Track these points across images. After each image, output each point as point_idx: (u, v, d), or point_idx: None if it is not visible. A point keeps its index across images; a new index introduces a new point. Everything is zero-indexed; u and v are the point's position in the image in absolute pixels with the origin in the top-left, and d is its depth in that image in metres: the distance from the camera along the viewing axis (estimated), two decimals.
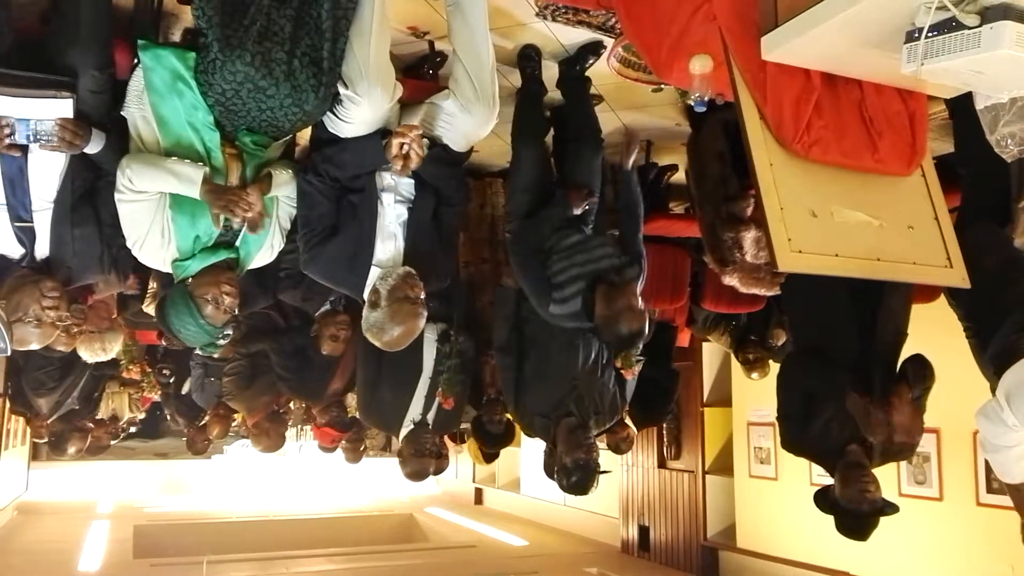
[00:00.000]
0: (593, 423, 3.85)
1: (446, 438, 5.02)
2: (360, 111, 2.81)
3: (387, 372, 4.13)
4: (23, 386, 6.40)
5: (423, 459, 4.32)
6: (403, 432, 4.31)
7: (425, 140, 2.94)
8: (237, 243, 2.92)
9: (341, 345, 4.49)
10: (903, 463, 5.17)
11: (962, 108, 2.73)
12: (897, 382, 3.14)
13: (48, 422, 6.09)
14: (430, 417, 4.32)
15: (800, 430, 3.52)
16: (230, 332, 3.52)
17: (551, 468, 4.16)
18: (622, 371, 3.86)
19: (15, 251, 2.89)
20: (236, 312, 2.95)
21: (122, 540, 9.45)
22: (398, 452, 4.41)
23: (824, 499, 3.41)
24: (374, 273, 2.96)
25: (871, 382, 3.29)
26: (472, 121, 3.00)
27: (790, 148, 2.47)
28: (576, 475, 3.83)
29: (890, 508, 3.30)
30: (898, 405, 3.15)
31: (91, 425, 6.77)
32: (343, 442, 6.16)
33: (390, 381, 4.17)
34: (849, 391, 3.25)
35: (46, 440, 6.72)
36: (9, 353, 2.86)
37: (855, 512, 3.28)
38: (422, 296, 2.94)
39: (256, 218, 2.82)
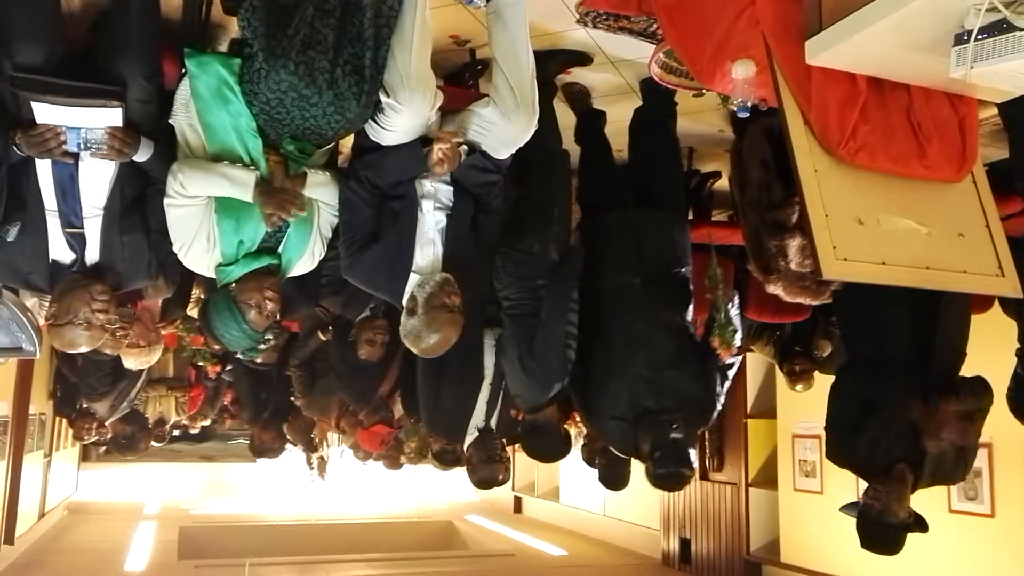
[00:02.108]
0: (681, 424, 3.53)
1: None
2: (401, 119, 2.82)
3: (450, 381, 4.10)
4: (76, 392, 6.58)
5: (494, 465, 4.31)
6: (468, 440, 4.31)
7: (464, 147, 2.95)
8: (279, 249, 2.96)
9: (378, 349, 4.51)
10: None
11: (1017, 113, 2.67)
12: (945, 395, 3.11)
13: (108, 423, 6.22)
14: (493, 422, 4.33)
15: (849, 442, 3.48)
16: (271, 337, 3.56)
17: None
18: (718, 352, 3.58)
19: (66, 256, 2.96)
20: (275, 318, 2.98)
21: (167, 541, 9.63)
22: (466, 460, 4.41)
23: (850, 504, 3.39)
24: (413, 280, 2.97)
25: (928, 398, 3.25)
26: (512, 129, 2.99)
27: (835, 154, 2.44)
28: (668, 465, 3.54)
29: (916, 526, 3.26)
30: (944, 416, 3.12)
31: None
32: (384, 450, 6.17)
33: (453, 389, 4.14)
34: (914, 401, 3.21)
35: (114, 442, 6.89)
36: (38, 356, 2.92)
37: (865, 515, 3.27)
38: (459, 303, 2.94)
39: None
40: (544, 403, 3.95)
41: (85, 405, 6.36)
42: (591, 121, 4.19)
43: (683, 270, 3.87)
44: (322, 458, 7.42)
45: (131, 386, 5.80)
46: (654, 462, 3.50)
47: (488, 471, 4.29)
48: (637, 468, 5.29)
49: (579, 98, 4.11)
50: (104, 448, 13.04)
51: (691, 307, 3.84)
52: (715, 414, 3.79)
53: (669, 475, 3.52)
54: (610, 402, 3.64)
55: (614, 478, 5.11)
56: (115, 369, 5.48)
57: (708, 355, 3.68)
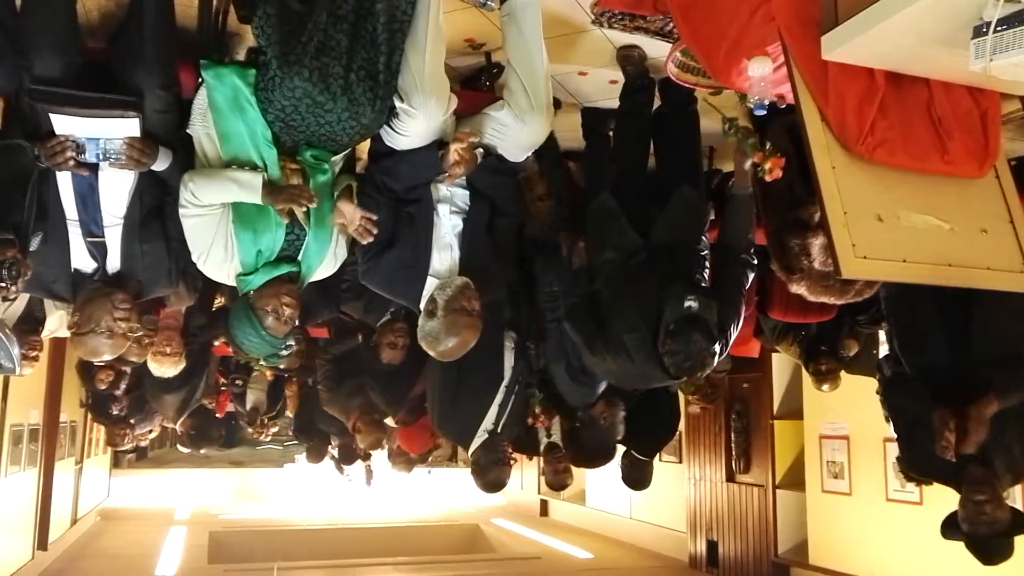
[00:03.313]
0: (697, 297, 3.33)
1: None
2: (416, 123, 2.83)
3: (468, 381, 4.07)
4: (108, 399, 6.63)
5: (501, 467, 4.30)
6: (476, 442, 4.29)
7: (480, 149, 2.95)
8: (299, 257, 2.97)
9: (399, 353, 4.51)
10: None
11: None
12: (984, 393, 3.04)
13: (180, 421, 6.27)
14: (501, 426, 4.30)
15: (913, 452, 3.42)
16: (292, 343, 3.54)
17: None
18: (770, 171, 3.06)
19: (88, 265, 3.00)
20: (297, 323, 2.99)
21: (198, 546, 9.71)
22: (473, 463, 4.39)
23: (949, 526, 3.26)
24: (430, 284, 2.97)
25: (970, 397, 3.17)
26: (526, 131, 2.99)
27: (853, 150, 2.40)
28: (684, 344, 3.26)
29: (1019, 528, 3.11)
30: (975, 416, 3.04)
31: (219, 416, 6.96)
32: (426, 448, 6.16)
33: (471, 390, 4.12)
34: (938, 407, 3.14)
35: (187, 437, 6.94)
36: (17, 372, 2.95)
37: (974, 534, 3.13)
38: (479, 308, 2.94)
39: (362, 228, 2.89)
40: (593, 402, 4.21)
41: (152, 404, 6.42)
42: (641, 89, 3.90)
43: (698, 247, 3.71)
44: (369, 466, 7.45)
45: (198, 383, 5.74)
46: (670, 336, 3.25)
47: (496, 473, 4.26)
48: (662, 470, 5.28)
49: (634, 62, 3.81)
50: (135, 454, 13.21)
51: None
52: (739, 311, 3.52)
53: (685, 348, 3.23)
54: (623, 322, 3.48)
55: (637, 477, 5.09)
56: (188, 367, 5.46)
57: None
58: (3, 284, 2.70)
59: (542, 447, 4.80)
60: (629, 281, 3.55)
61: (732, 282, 3.55)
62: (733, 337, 3.49)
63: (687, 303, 3.28)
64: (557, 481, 4.89)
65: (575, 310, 3.72)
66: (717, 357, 3.33)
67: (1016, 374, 3.12)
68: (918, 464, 3.46)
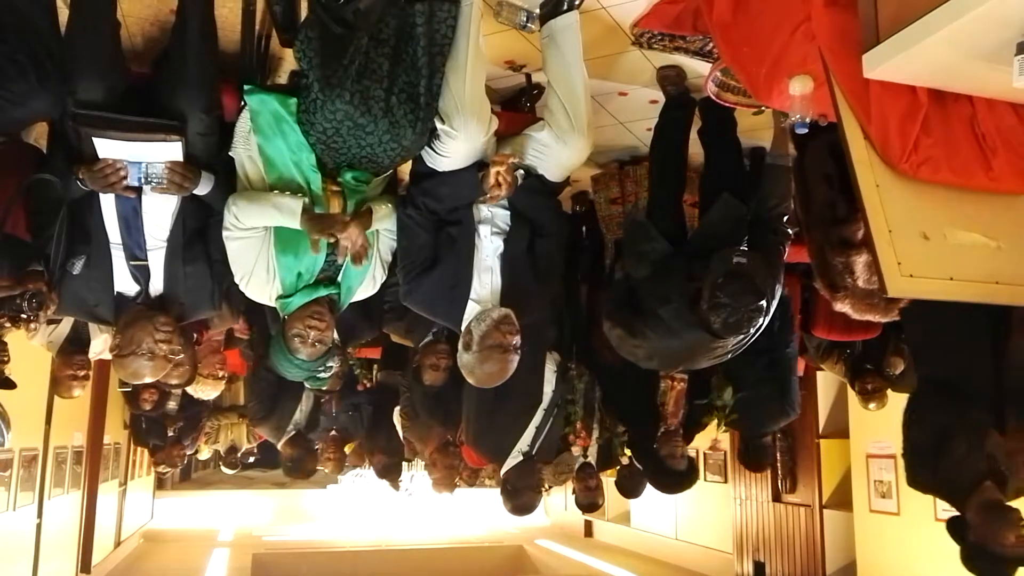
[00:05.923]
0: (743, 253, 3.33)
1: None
2: (456, 145, 2.85)
3: (507, 401, 4.01)
4: (158, 423, 6.69)
5: (534, 493, 4.28)
6: (510, 463, 4.27)
7: (520, 171, 2.96)
8: (339, 278, 2.99)
9: (442, 374, 4.51)
10: None
11: None
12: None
13: (280, 445, 6.31)
14: (535, 449, 4.28)
15: (929, 467, 3.34)
16: (333, 365, 3.52)
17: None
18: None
19: (131, 288, 3.02)
20: (326, 346, 2.99)
21: (241, 568, 9.72)
22: (503, 483, 4.36)
23: (956, 529, 3.19)
24: (472, 308, 2.98)
25: (1005, 418, 3.10)
26: (567, 151, 3.00)
27: (897, 168, 2.36)
28: (728, 305, 3.19)
29: None
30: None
31: (318, 446, 6.92)
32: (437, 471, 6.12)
33: (510, 410, 4.09)
34: (990, 431, 3.08)
35: (283, 465, 6.96)
36: (7, 446, 2.95)
37: (996, 556, 3.05)
38: (516, 342, 2.93)
39: (360, 252, 2.87)
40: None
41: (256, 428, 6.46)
42: (680, 107, 3.89)
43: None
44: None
45: (293, 407, 5.74)
46: (719, 289, 3.17)
47: (528, 498, 4.25)
48: (707, 490, 5.22)
49: (674, 82, 3.84)
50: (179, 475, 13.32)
51: None
52: (777, 279, 3.47)
53: (734, 302, 3.17)
54: (655, 298, 3.45)
55: (631, 487, 5.10)
56: (275, 393, 5.48)
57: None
58: (25, 316, 2.75)
59: (575, 467, 4.76)
60: (661, 273, 3.52)
61: (768, 251, 3.49)
62: (773, 307, 3.42)
63: (735, 259, 3.24)
64: (588, 499, 4.83)
65: (611, 312, 3.69)
66: (762, 318, 3.26)
67: None
68: (926, 477, 3.37)
